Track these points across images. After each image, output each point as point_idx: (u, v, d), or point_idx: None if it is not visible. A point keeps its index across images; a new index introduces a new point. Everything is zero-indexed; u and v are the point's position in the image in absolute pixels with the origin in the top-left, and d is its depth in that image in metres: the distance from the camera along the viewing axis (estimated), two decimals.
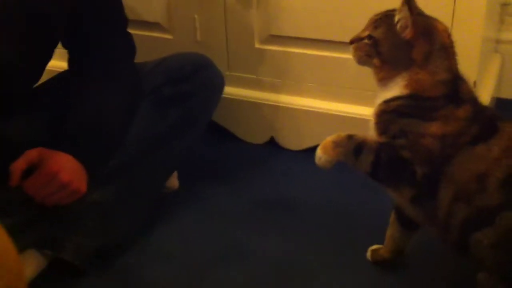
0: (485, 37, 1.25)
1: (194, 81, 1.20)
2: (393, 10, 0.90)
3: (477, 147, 0.84)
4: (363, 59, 0.94)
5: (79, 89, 1.08)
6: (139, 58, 1.19)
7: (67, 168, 0.97)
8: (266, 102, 1.44)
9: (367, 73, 1.31)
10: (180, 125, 1.19)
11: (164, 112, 1.18)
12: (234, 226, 1.21)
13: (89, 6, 1.06)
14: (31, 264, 1.04)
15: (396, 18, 0.88)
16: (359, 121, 1.34)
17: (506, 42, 1.62)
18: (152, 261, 1.11)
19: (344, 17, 1.27)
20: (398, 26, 0.88)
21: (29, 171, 0.96)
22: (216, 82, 1.27)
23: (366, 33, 0.93)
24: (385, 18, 0.91)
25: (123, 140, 1.11)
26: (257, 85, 1.44)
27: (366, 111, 1.34)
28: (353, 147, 0.90)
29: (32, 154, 0.97)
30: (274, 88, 1.43)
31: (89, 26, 1.08)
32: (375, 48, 0.91)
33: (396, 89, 0.89)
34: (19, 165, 0.95)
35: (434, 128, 0.86)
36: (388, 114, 0.90)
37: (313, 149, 1.44)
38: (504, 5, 1.60)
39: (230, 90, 1.41)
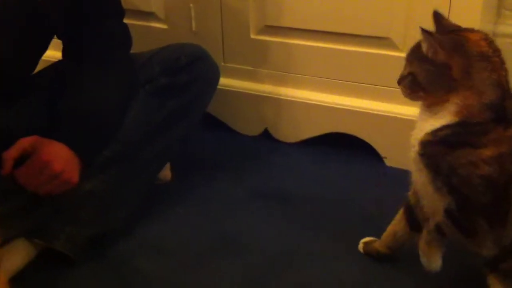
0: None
1: (189, 72, 1.20)
2: (420, 41, 0.88)
3: None
4: (413, 97, 0.90)
5: (74, 79, 1.08)
6: (134, 48, 1.18)
7: (59, 158, 0.97)
8: (261, 94, 1.43)
9: (362, 66, 1.32)
10: (175, 115, 1.19)
11: (159, 102, 1.18)
12: (227, 218, 1.21)
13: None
14: (20, 253, 1.04)
15: (424, 48, 0.85)
16: (354, 113, 1.34)
17: (502, 36, 1.61)
18: (145, 253, 1.11)
19: (340, 7, 1.26)
20: (429, 54, 0.85)
21: (22, 160, 0.96)
22: (211, 74, 1.27)
23: (406, 71, 0.90)
24: (415, 50, 0.88)
25: (117, 130, 1.10)
26: (252, 76, 1.44)
27: (362, 103, 1.35)
28: (435, 233, 0.91)
29: (24, 143, 0.96)
30: (269, 80, 1.42)
31: (86, 17, 1.08)
32: (416, 82, 0.88)
33: (445, 116, 0.85)
34: (11, 154, 0.95)
35: (488, 152, 0.82)
36: (435, 146, 0.85)
37: (307, 142, 1.47)
38: None
39: (225, 81, 1.40)
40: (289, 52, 1.37)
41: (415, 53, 0.88)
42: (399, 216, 1.02)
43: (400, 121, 1.26)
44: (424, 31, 0.84)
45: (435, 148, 0.85)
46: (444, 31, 0.88)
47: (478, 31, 0.87)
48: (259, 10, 1.35)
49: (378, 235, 1.10)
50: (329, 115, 1.38)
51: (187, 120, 1.22)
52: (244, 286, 1.03)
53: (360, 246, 1.08)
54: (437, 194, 0.87)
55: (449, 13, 1.14)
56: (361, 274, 1.04)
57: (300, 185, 1.31)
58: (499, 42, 1.58)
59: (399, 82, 0.92)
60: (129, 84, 1.14)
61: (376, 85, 1.31)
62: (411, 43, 1.20)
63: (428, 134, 0.86)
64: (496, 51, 0.85)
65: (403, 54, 1.24)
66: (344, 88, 1.35)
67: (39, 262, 1.06)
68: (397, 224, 1.02)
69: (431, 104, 0.87)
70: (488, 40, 0.85)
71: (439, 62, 0.84)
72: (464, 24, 1.13)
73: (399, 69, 1.25)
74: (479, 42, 0.84)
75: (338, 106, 1.36)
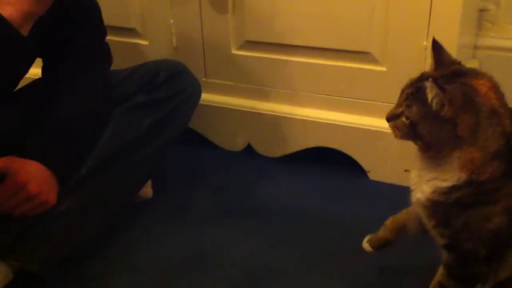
0: (461, 43, 1.24)
1: (169, 88, 1.19)
2: (422, 80, 0.80)
3: None
4: (405, 139, 0.84)
5: (50, 96, 1.06)
6: (115, 64, 1.18)
7: (36, 179, 0.94)
8: (243, 109, 1.42)
9: (343, 80, 1.32)
10: (153, 132, 1.18)
11: (137, 119, 1.16)
12: (203, 234, 1.19)
13: (65, 16, 1.04)
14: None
15: (429, 97, 0.77)
16: (337, 127, 1.34)
17: (483, 48, 1.62)
18: (119, 271, 1.09)
19: (320, 22, 1.26)
20: (434, 105, 0.77)
21: None
22: (191, 89, 1.26)
23: (400, 109, 0.82)
24: (416, 94, 0.80)
25: (92, 147, 1.09)
26: (234, 91, 1.43)
27: (345, 118, 1.35)
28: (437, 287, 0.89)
29: None
30: (251, 95, 1.41)
31: (66, 36, 1.07)
32: (414, 130, 0.81)
33: (451, 172, 0.80)
34: None
35: (499, 207, 0.79)
36: (448, 207, 0.82)
37: (290, 156, 1.46)
38: (482, 10, 1.60)
39: (207, 97, 1.39)
40: (270, 67, 1.36)
41: (417, 97, 0.80)
42: (410, 212, 0.97)
43: (383, 135, 1.25)
44: (435, 83, 0.76)
45: (448, 209, 0.82)
46: (445, 72, 0.81)
47: (483, 76, 0.81)
48: (240, 26, 1.34)
49: (356, 248, 1.09)
50: (312, 130, 1.37)
51: (165, 136, 1.21)
52: None
53: (366, 245, 1.02)
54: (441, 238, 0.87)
55: (428, 25, 1.15)
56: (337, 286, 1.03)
57: (279, 201, 1.29)
58: (481, 55, 1.62)
59: (388, 119, 0.85)
60: (106, 101, 1.13)
61: (358, 99, 1.30)
62: (390, 56, 1.22)
63: (438, 194, 0.82)
64: (502, 98, 0.80)
65: (383, 68, 1.26)
66: (326, 103, 1.34)
67: (15, 282, 1.03)
68: (406, 214, 0.98)
69: (431, 157, 0.82)
70: (495, 87, 0.80)
71: (445, 117, 0.77)
72: (443, 40, 1.14)
73: (380, 83, 1.27)
74: (488, 94, 0.78)
75: (321, 121, 1.35)
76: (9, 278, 1.03)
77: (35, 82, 1.16)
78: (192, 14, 1.37)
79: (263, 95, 1.40)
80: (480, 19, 1.61)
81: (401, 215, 0.97)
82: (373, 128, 1.29)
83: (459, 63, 0.85)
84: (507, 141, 0.78)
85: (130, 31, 1.48)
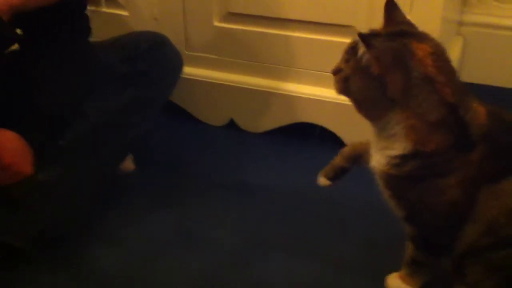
0: (445, 18, 1.23)
1: (149, 59, 1.18)
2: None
3: (501, 184, 0.78)
4: (343, 94, 0.83)
5: (29, 69, 1.04)
6: (95, 35, 1.15)
7: (8, 150, 0.93)
8: (226, 83, 1.40)
9: (326, 54, 1.30)
10: (135, 104, 1.16)
11: (118, 90, 1.15)
12: (189, 211, 1.18)
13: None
14: None
15: (359, 53, 0.76)
16: (320, 102, 1.32)
17: (468, 25, 1.62)
18: (104, 247, 1.08)
19: None
20: (363, 61, 0.76)
21: None
22: (173, 61, 1.25)
23: (341, 65, 0.81)
24: (355, 48, 0.78)
25: (73, 119, 1.07)
26: (216, 65, 1.40)
27: (327, 93, 1.33)
28: (410, 262, 0.90)
29: None
30: (234, 68, 1.39)
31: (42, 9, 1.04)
32: (347, 85, 0.80)
33: (397, 141, 0.79)
34: None
35: (453, 180, 0.78)
36: (401, 180, 0.81)
37: (273, 132, 1.44)
38: None
39: (188, 70, 1.37)
40: (254, 40, 1.34)
41: (353, 52, 0.78)
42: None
43: None
44: (362, 38, 0.74)
45: (402, 183, 0.82)
46: (391, 30, 0.79)
47: (427, 40, 0.78)
48: None
49: (340, 226, 1.09)
50: (294, 105, 1.36)
51: (148, 108, 1.19)
52: (202, 279, 1.01)
53: (322, 180, 0.99)
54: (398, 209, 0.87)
55: (412, 1, 1.13)
56: (328, 268, 1.02)
57: (262, 176, 1.28)
58: (466, 31, 1.61)
59: (333, 73, 0.84)
60: (87, 73, 1.11)
61: None
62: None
63: (390, 166, 0.81)
64: (445, 66, 0.77)
65: None
66: (309, 77, 1.33)
67: None
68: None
69: (370, 118, 0.81)
70: (437, 54, 0.77)
71: (373, 75, 0.75)
72: (426, 14, 1.13)
73: None
74: (425, 59, 0.75)
75: (303, 96, 1.34)
76: None
77: (12, 55, 1.13)
78: None
79: (246, 69, 1.38)
80: None
81: (359, 145, 0.95)
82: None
83: (411, 24, 0.83)
84: (452, 111, 0.77)
85: (110, 1, 1.44)
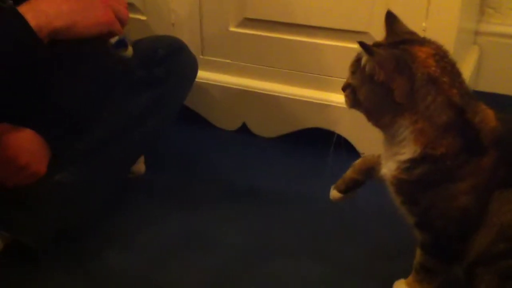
0: (462, 28, 1.23)
1: (166, 64, 1.19)
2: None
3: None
4: (354, 108, 0.84)
5: (48, 68, 1.05)
6: None
7: (25, 150, 0.94)
8: (240, 87, 1.41)
9: (341, 60, 1.30)
10: (151, 108, 1.17)
11: (135, 95, 1.16)
12: (199, 214, 1.19)
13: None
14: None
15: (362, 62, 0.77)
16: (333, 108, 1.32)
17: (485, 34, 1.61)
18: (113, 247, 1.09)
19: (320, 1, 1.24)
20: (367, 70, 0.77)
21: None
22: (189, 67, 1.26)
23: (348, 80, 0.82)
24: (360, 60, 0.79)
25: (90, 121, 1.07)
26: (231, 69, 1.41)
27: (341, 99, 1.32)
28: (419, 268, 0.89)
29: None
30: (248, 73, 1.40)
31: None
32: (355, 96, 0.81)
33: (407, 145, 0.79)
34: None
35: (465, 185, 0.78)
36: (412, 185, 0.81)
37: (285, 137, 1.45)
38: None
39: (203, 74, 1.38)
40: (269, 45, 1.35)
41: (358, 64, 0.79)
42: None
43: None
44: (363, 46, 0.75)
45: (413, 187, 0.82)
46: (393, 40, 0.80)
47: (429, 43, 0.79)
48: (239, 2, 1.32)
49: (350, 231, 1.08)
50: (308, 110, 1.36)
51: (163, 112, 1.21)
52: (213, 280, 1.01)
53: (333, 193, 0.98)
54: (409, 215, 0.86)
55: (428, 8, 1.13)
56: (334, 273, 1.02)
57: (273, 181, 1.29)
58: (482, 41, 1.61)
59: (343, 89, 0.85)
60: (105, 76, 1.11)
61: None
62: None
63: (401, 170, 0.81)
64: (448, 67, 0.78)
65: None
66: (324, 83, 1.33)
67: (5, 256, 1.03)
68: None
69: (375, 125, 0.82)
70: (439, 55, 0.78)
71: (378, 81, 0.76)
72: (443, 23, 1.13)
73: None
74: (427, 61, 0.76)
75: (317, 101, 1.34)
76: None
77: None
78: None
79: (260, 74, 1.39)
80: (483, 5, 1.60)
81: (371, 157, 0.95)
82: None
83: (413, 33, 0.84)
84: (460, 114, 0.77)
85: (129, 6, 1.45)
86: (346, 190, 0.97)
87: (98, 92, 1.09)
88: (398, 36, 0.82)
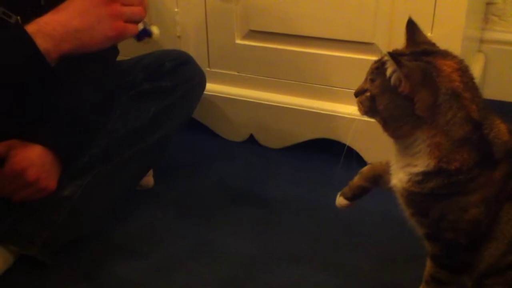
0: (467, 36, 1.23)
1: (173, 77, 1.20)
2: (385, 58, 0.78)
3: None
4: (368, 115, 0.82)
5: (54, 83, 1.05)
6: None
7: (35, 165, 0.94)
8: (246, 99, 1.42)
9: (347, 71, 1.31)
10: (158, 120, 1.18)
11: (142, 107, 1.17)
12: (206, 223, 1.19)
13: None
14: None
15: (388, 72, 0.76)
16: (340, 119, 1.33)
17: (489, 42, 1.61)
18: (119, 256, 1.09)
19: (325, 12, 1.25)
20: (392, 80, 0.75)
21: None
22: (196, 79, 1.27)
23: (367, 85, 0.81)
24: (380, 68, 0.78)
25: (96, 135, 1.08)
26: (238, 81, 1.42)
27: (347, 109, 1.33)
28: (429, 280, 0.88)
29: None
30: (255, 85, 1.41)
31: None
32: (374, 104, 0.79)
33: (420, 158, 0.78)
34: None
35: (475, 198, 0.78)
36: (423, 198, 0.81)
37: (292, 148, 1.45)
38: (489, 4, 1.59)
39: (210, 87, 1.39)
40: (274, 57, 1.35)
41: (379, 71, 0.78)
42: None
43: None
44: (393, 57, 0.74)
45: (424, 199, 0.81)
46: (415, 50, 0.79)
47: (451, 57, 0.79)
48: (244, 15, 1.33)
49: (357, 241, 1.08)
50: (314, 121, 1.36)
51: (170, 125, 1.21)
52: None
53: (339, 200, 0.97)
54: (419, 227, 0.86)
55: (433, 18, 1.14)
56: (335, 279, 1.02)
57: (281, 190, 1.29)
58: (487, 48, 1.61)
59: (356, 95, 0.83)
60: (111, 89, 1.12)
61: None
62: (395, 47, 1.20)
63: (413, 183, 0.80)
64: (469, 82, 0.77)
65: None
66: (329, 94, 1.33)
67: (13, 264, 1.04)
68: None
69: (390, 135, 0.81)
70: (462, 70, 0.77)
71: (402, 93, 0.75)
72: (448, 32, 1.13)
73: None
74: (452, 75, 0.76)
75: (324, 112, 1.34)
76: (9, 263, 1.04)
77: None
78: (196, 2, 1.37)
79: (267, 86, 1.40)
80: (487, 12, 1.60)
81: (379, 165, 0.94)
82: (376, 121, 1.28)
83: (432, 44, 0.83)
84: (476, 129, 0.77)
85: None
86: (352, 197, 0.96)
87: (103, 104, 1.09)
88: (418, 45, 0.81)
